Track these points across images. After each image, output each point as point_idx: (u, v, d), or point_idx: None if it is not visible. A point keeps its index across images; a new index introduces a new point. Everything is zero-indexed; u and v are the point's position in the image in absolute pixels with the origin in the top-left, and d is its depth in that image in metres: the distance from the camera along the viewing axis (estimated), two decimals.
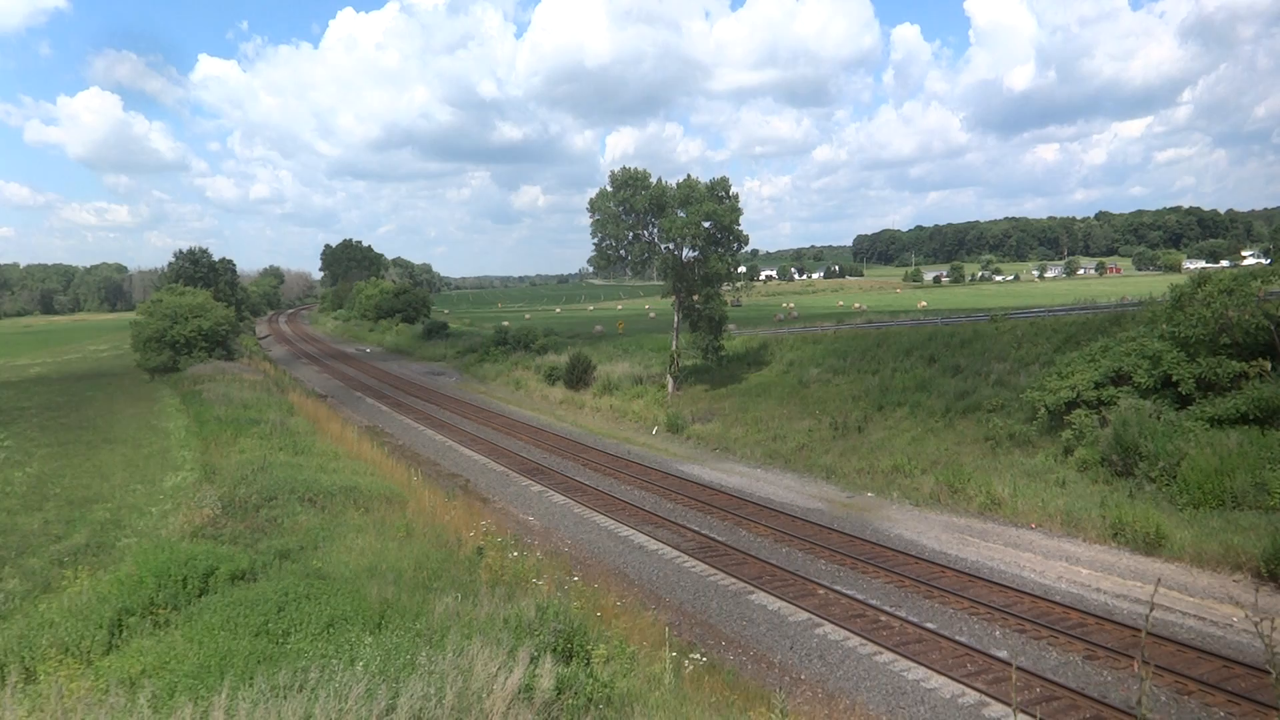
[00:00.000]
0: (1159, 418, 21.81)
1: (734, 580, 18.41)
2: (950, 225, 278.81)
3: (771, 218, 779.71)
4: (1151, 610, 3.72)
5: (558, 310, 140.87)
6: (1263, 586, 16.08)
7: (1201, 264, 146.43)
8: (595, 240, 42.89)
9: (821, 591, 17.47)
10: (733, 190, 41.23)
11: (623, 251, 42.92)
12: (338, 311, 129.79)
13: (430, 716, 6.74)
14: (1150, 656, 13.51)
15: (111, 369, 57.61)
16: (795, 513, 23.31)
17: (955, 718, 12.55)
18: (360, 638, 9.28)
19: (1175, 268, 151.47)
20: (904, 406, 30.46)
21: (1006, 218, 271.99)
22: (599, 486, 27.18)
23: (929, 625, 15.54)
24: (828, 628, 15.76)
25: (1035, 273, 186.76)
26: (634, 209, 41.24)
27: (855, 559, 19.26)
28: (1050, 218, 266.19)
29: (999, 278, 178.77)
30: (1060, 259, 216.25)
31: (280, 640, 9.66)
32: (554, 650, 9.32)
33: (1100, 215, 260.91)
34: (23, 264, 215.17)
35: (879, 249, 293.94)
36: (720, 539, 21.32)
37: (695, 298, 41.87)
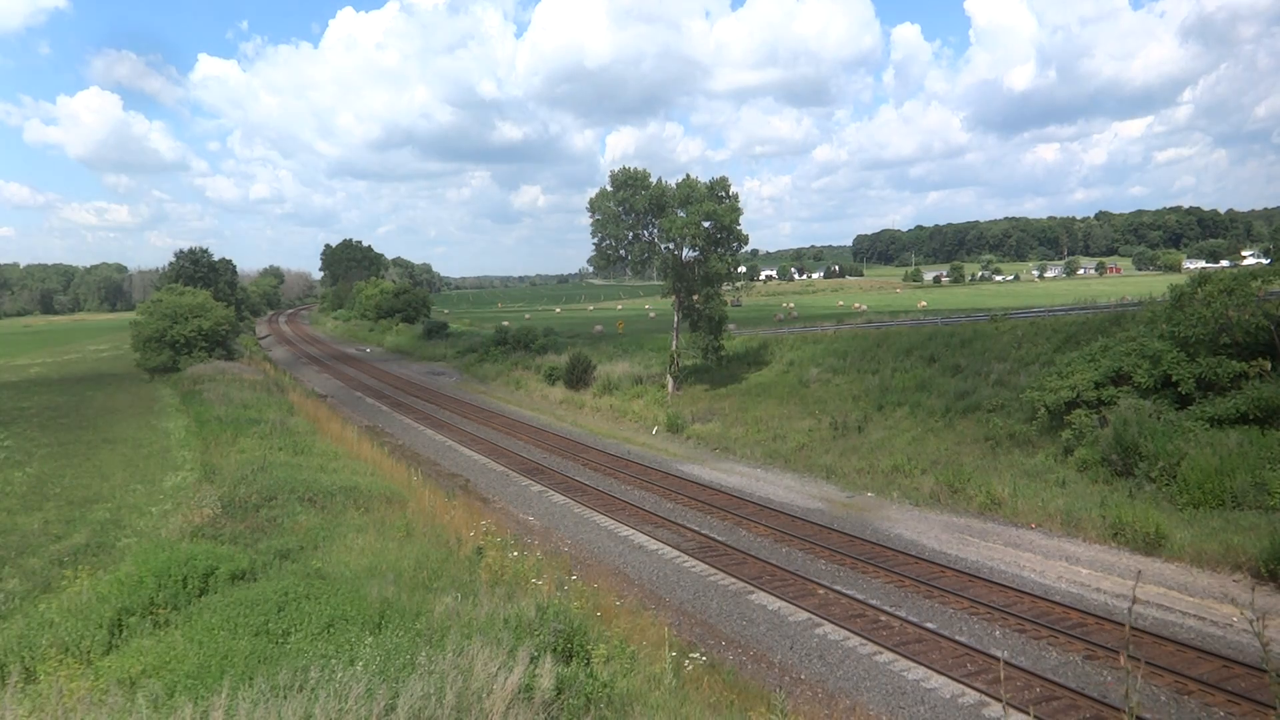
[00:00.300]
0: (1159, 418, 21.81)
1: (734, 580, 18.41)
2: (950, 225, 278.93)
3: (771, 218, 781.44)
4: (1133, 603, 3.77)
5: (558, 310, 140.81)
6: (1262, 586, 16.08)
7: (1201, 264, 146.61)
8: (595, 240, 42.97)
9: (821, 591, 17.47)
10: (733, 190, 41.30)
11: (623, 251, 42.96)
12: (338, 311, 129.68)
13: (430, 716, 6.73)
14: (1150, 656, 13.52)
15: (111, 369, 57.55)
16: (795, 512, 23.31)
17: (955, 718, 12.56)
18: (360, 637, 9.28)
19: (1175, 268, 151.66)
20: (904, 406, 30.47)
21: (1006, 218, 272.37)
22: (599, 486, 27.18)
23: (929, 625, 15.55)
24: (828, 627, 15.76)
25: (1035, 273, 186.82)
26: (634, 209, 41.27)
27: (855, 559, 19.26)
28: (1050, 218, 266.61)
29: (999, 278, 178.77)
30: (1060, 259, 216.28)
31: (280, 640, 9.66)
32: (554, 650, 9.32)
33: (1100, 215, 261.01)
34: (23, 264, 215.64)
35: (879, 249, 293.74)
36: (720, 539, 21.32)
37: (695, 298, 41.85)
